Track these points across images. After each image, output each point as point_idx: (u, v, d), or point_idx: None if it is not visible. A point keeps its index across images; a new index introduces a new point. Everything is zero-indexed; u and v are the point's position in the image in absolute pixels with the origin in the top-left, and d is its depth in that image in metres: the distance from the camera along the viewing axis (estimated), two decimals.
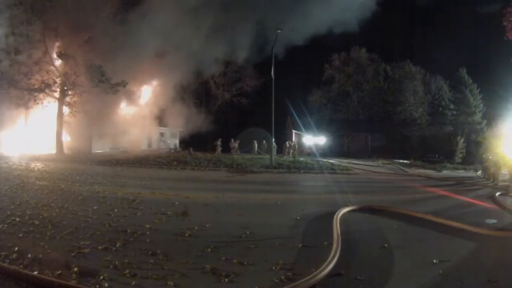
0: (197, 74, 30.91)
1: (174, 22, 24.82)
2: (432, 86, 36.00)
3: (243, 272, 3.78)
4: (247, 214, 6.78)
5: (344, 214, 6.50)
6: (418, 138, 35.16)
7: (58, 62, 20.07)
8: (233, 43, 29.52)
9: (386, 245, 4.86)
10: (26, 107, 19.46)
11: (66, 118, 20.57)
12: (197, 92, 35.94)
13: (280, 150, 25.54)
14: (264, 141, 26.24)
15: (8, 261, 3.73)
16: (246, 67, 34.92)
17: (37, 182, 9.85)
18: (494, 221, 6.74)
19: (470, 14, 33.34)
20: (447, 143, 31.67)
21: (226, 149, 26.50)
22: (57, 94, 20.07)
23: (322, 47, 37.33)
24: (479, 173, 18.54)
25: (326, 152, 29.06)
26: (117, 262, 3.85)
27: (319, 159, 22.54)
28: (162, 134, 31.97)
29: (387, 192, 11.11)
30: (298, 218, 6.39)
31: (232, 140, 27.06)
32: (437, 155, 32.01)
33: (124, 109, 25.37)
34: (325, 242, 4.77)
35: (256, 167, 16.50)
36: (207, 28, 27.17)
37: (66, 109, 20.49)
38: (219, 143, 25.90)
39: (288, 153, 24.79)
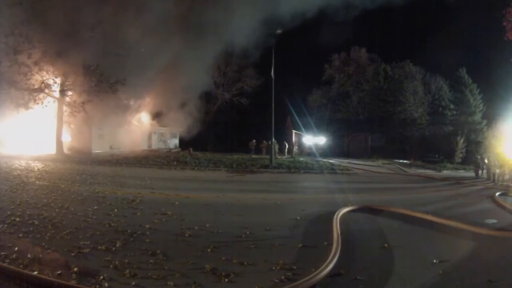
0: (198, 73, 30.87)
1: (173, 21, 24.84)
2: (432, 86, 36.01)
3: (243, 272, 3.78)
4: (247, 214, 6.77)
5: (344, 214, 6.50)
6: (418, 138, 35.18)
7: (57, 62, 20.02)
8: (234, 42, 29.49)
9: (386, 245, 4.86)
10: (26, 107, 19.41)
11: (66, 118, 20.55)
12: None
13: (281, 150, 25.58)
14: (264, 141, 26.26)
15: (8, 261, 3.72)
16: (246, 66, 34.92)
17: (37, 182, 9.84)
18: (494, 221, 6.74)
19: (470, 14, 33.38)
20: (447, 143, 31.71)
21: (242, 149, 26.41)
22: (57, 94, 20.05)
23: (322, 47, 37.45)
24: (474, 174, 18.45)
25: (326, 152, 29.07)
26: (117, 262, 3.85)
27: (319, 159, 22.55)
28: (162, 134, 31.97)
29: (387, 192, 11.11)
30: (298, 218, 6.39)
31: (254, 141, 27.03)
32: (437, 155, 32.04)
33: (124, 109, 25.33)
34: (325, 242, 4.77)
35: (256, 167, 16.51)
36: (206, 26, 27.19)
37: (66, 109, 20.47)
38: (254, 143, 25.92)
39: (289, 152, 24.85)
